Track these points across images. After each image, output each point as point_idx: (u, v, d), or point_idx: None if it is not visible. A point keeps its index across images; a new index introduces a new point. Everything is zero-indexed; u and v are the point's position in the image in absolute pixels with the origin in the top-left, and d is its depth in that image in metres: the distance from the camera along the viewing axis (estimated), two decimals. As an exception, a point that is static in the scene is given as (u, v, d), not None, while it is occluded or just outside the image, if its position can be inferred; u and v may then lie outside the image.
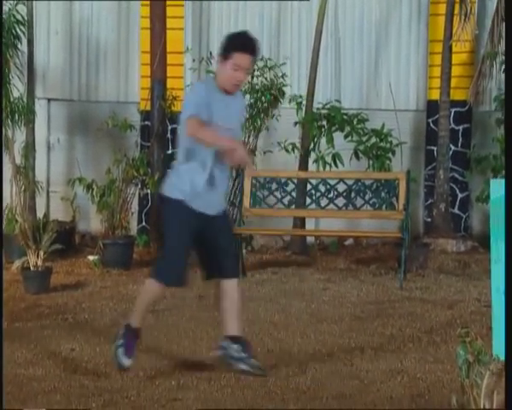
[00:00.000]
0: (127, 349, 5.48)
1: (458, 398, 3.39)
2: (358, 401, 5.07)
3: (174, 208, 5.43)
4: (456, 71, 11.15)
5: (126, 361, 5.48)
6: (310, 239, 10.69)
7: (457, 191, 11.47)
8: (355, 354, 6.09)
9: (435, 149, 11.17)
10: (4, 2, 9.24)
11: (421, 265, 9.38)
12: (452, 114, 11.30)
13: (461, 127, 11.50)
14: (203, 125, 5.20)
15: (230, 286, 5.52)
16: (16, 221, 9.28)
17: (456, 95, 11.19)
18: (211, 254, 5.53)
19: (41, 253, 8.07)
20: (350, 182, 9.36)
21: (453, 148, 11.36)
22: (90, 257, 9.37)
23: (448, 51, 10.87)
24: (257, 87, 9.99)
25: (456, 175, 11.42)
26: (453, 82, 11.07)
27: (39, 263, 8.06)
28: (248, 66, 5.40)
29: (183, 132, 5.45)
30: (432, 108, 11.41)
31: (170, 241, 5.53)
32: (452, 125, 11.31)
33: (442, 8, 11.10)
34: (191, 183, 5.37)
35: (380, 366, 5.78)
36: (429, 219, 11.28)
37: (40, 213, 10.00)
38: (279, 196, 9.39)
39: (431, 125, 11.49)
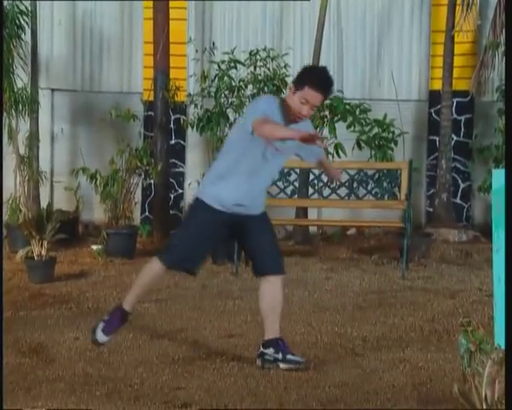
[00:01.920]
0: (107, 326, 5.52)
1: (460, 387, 3.41)
2: (360, 390, 5.10)
3: (203, 208, 5.38)
4: (458, 61, 11.16)
5: (101, 337, 5.53)
6: (312, 229, 10.71)
7: (459, 181, 11.49)
8: (357, 343, 6.13)
9: (437, 138, 11.19)
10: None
11: (424, 254, 9.41)
12: (454, 104, 11.31)
13: (463, 117, 11.52)
14: (267, 122, 5.05)
15: (273, 283, 5.54)
16: (20, 211, 9.32)
17: (459, 85, 11.21)
18: (255, 251, 5.52)
19: (45, 242, 8.10)
20: (352, 172, 9.38)
21: (455, 138, 11.38)
22: (94, 247, 9.40)
23: (450, 41, 10.88)
24: (259, 78, 10.00)
25: (459, 165, 11.44)
26: (455, 72, 11.09)
27: (43, 253, 8.10)
28: (317, 104, 5.26)
29: (233, 139, 5.43)
30: (434, 98, 11.42)
31: (184, 229, 5.51)
32: (454, 115, 11.33)
33: (444, -2, 11.11)
34: (231, 192, 5.32)
35: (382, 355, 5.81)
36: (431, 209, 11.30)
37: (44, 203, 10.03)
38: (282, 186, 9.41)
39: (433, 115, 11.51)
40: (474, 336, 3.49)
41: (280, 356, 5.46)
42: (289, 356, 5.48)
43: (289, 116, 5.26)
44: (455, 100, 11.24)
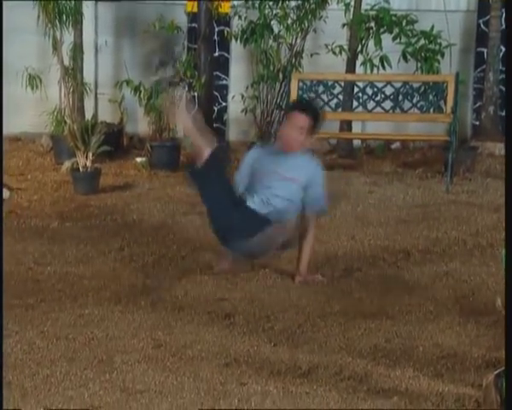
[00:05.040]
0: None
1: (503, 300, 3.41)
2: (403, 303, 5.13)
3: None
4: (509, -31, 10.87)
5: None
6: (356, 142, 10.64)
7: (507, 94, 11.31)
8: (400, 256, 6.14)
9: (485, 50, 10.98)
10: None
11: (468, 168, 9.32)
12: (504, 13, 11.07)
13: (512, 28, 11.27)
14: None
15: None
16: (65, 123, 9.36)
17: (509, -6, 10.94)
18: None
19: (90, 154, 8.15)
20: (397, 85, 9.26)
21: (504, 49, 11.16)
22: (138, 159, 9.44)
23: (501, -52, 10.59)
24: (304, -12, 9.85)
25: (507, 78, 11.25)
26: (506, -19, 10.82)
27: (88, 164, 8.16)
28: (301, 123, 5.47)
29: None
30: (483, 8, 11.17)
31: None
32: (503, 26, 11.09)
33: None
34: None
35: (425, 269, 5.82)
36: (477, 123, 11.16)
37: (88, 115, 10.06)
38: (326, 99, 9.33)
39: (481, 26, 11.28)
40: (517, 250, 3.47)
41: None
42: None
43: (284, 143, 5.53)
44: (504, 10, 10.98)
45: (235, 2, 10.51)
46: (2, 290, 4.44)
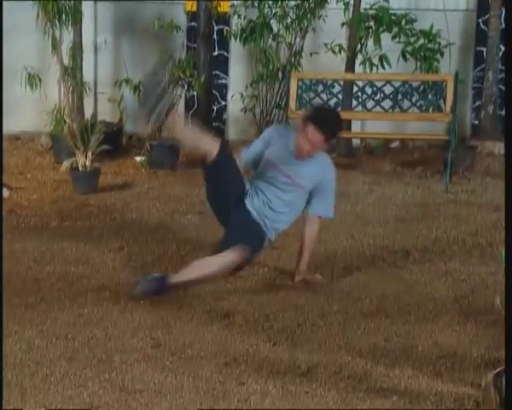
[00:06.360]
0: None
1: (502, 299, 3.42)
2: (402, 302, 5.13)
3: None
4: (508, -32, 10.87)
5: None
6: (356, 141, 10.64)
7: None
8: (399, 256, 6.14)
9: (485, 49, 10.98)
10: None
11: (468, 168, 9.33)
12: (503, 12, 11.06)
13: (512, 28, 11.27)
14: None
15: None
16: (64, 122, 9.35)
17: (508, -7, 10.94)
18: None
19: (89, 153, 8.15)
20: (397, 84, 9.26)
21: (503, 48, 11.15)
22: (137, 158, 9.44)
23: None
24: (304, -13, 9.84)
25: (506, 77, 11.25)
26: (505, -20, 10.82)
27: (87, 163, 8.15)
28: (316, 143, 5.34)
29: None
30: (482, 7, 11.17)
31: None
32: (503, 25, 11.08)
33: None
34: None
35: (424, 268, 5.83)
36: (477, 122, 11.16)
37: (88, 114, 10.05)
38: (325, 98, 9.34)
39: (481, 25, 11.27)
40: (517, 250, 3.47)
41: None
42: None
43: (297, 151, 5.40)
44: (504, 9, 10.98)
45: (235, 2, 10.51)
46: (3, 290, 4.44)
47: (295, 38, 9.90)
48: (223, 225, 5.49)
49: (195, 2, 10.56)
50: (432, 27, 9.84)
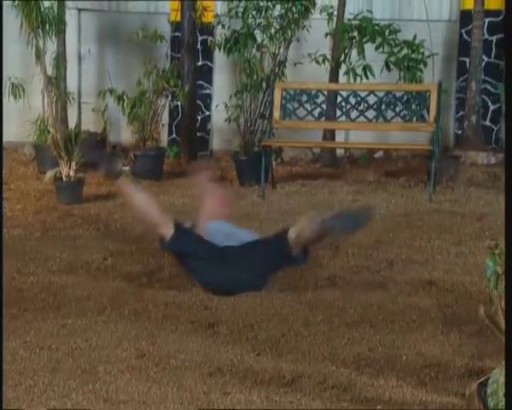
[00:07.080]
0: None
1: (486, 309, 3.42)
2: (386, 311, 5.14)
3: None
4: (490, -22, 10.94)
5: None
6: (339, 152, 10.67)
7: (489, 103, 11.35)
8: (384, 265, 6.15)
9: (467, 60, 11.04)
10: None
11: (451, 177, 9.36)
12: (486, 23, 11.12)
13: (494, 38, 11.32)
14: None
15: None
16: (48, 132, 9.33)
17: (491, 3, 10.99)
18: None
19: (73, 163, 8.14)
20: (380, 94, 9.29)
21: (486, 59, 11.21)
22: (121, 168, 9.42)
23: (482, -42, 10.64)
24: (287, -3, 9.86)
25: (489, 87, 11.29)
26: (487, -10, 10.87)
27: (71, 174, 8.14)
28: None
29: None
30: (465, 17, 11.22)
31: None
32: (486, 36, 11.14)
33: None
34: None
35: (408, 278, 5.84)
36: (460, 132, 11.20)
37: (72, 124, 10.04)
38: (309, 108, 9.36)
39: (464, 35, 11.33)
40: (501, 259, 3.48)
41: None
42: None
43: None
44: (486, 20, 11.03)
45: (219, 12, 10.52)
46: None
47: (279, 48, 9.92)
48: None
49: (179, 12, 10.57)
50: (415, 38, 9.87)
